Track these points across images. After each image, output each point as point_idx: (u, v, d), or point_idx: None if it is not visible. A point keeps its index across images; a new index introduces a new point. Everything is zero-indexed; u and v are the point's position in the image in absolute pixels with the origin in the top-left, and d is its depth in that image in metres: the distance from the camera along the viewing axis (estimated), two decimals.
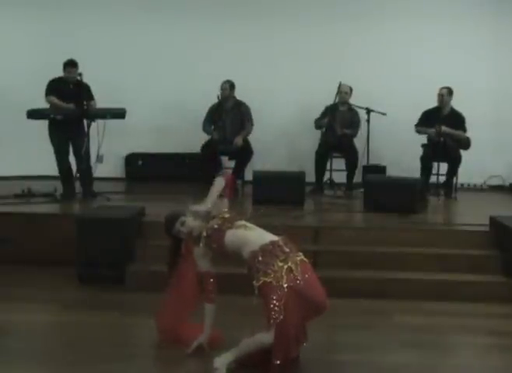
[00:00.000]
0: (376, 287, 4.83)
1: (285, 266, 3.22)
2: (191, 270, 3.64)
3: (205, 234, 3.48)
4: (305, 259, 3.35)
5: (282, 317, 3.14)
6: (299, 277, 3.22)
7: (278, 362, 3.19)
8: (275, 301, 3.15)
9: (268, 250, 3.28)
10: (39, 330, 4.10)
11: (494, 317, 4.47)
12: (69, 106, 6.55)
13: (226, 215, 3.55)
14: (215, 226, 3.48)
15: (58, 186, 6.75)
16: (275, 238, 3.39)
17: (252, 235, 3.41)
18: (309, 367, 3.54)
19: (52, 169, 6.83)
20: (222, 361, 3.30)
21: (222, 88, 7.62)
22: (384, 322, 4.31)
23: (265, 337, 3.20)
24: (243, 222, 3.51)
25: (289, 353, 3.26)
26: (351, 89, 7.70)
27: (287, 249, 3.32)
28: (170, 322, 3.71)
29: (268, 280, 3.20)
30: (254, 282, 3.25)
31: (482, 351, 3.93)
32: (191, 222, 3.57)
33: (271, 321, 3.16)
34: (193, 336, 3.59)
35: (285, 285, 3.18)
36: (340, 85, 7.57)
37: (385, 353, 3.75)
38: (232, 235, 3.42)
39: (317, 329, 3.98)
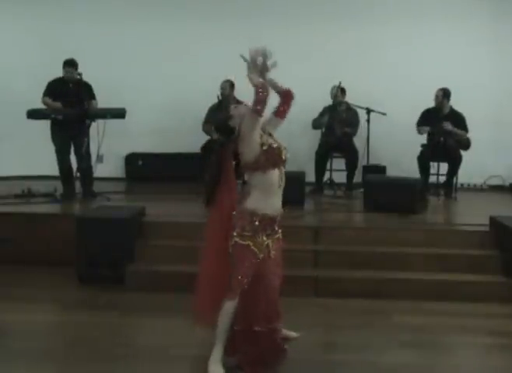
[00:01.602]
0: (376, 287, 4.83)
1: (266, 243, 3.31)
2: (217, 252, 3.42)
3: (266, 147, 3.25)
4: (280, 236, 3.44)
5: (246, 287, 3.24)
6: (271, 254, 3.33)
7: (239, 328, 3.32)
8: (245, 269, 3.23)
9: (264, 221, 3.28)
10: (39, 330, 4.10)
11: (494, 317, 4.47)
12: (56, 104, 6.54)
13: (288, 155, 3.38)
14: (283, 157, 3.32)
15: (58, 186, 6.76)
16: (276, 212, 3.35)
17: (271, 197, 3.31)
18: (308, 367, 3.54)
19: (52, 168, 6.83)
20: (214, 363, 3.30)
21: (222, 88, 7.62)
22: (383, 322, 4.31)
23: (228, 307, 3.26)
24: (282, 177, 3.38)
25: (252, 323, 3.32)
26: (343, 90, 7.67)
27: (276, 228, 3.39)
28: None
29: (250, 244, 3.24)
30: (235, 235, 3.25)
31: (482, 351, 3.94)
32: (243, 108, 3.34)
33: (236, 289, 3.24)
34: None
35: (261, 256, 3.28)
36: (331, 88, 7.60)
37: (385, 353, 3.75)
38: (267, 176, 3.26)
39: (317, 328, 3.98)
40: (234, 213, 3.32)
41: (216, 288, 3.37)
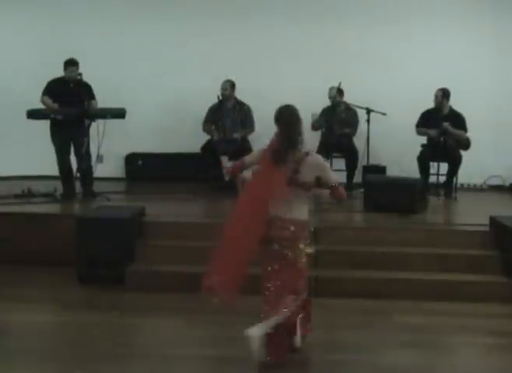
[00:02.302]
0: (376, 287, 4.83)
1: None
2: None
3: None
4: None
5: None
6: None
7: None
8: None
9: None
10: (39, 330, 4.10)
11: (494, 317, 4.47)
12: (54, 105, 6.55)
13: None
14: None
15: (58, 186, 6.75)
16: None
17: None
18: (309, 367, 3.54)
19: (52, 168, 6.83)
20: (257, 331, 3.33)
21: (223, 88, 7.60)
22: (383, 322, 4.31)
23: (293, 305, 3.46)
24: None
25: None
26: (340, 91, 7.64)
27: None
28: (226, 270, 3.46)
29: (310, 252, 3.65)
30: (305, 247, 3.55)
31: (482, 351, 3.94)
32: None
33: (304, 291, 3.54)
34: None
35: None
36: (329, 89, 7.60)
37: (385, 353, 3.76)
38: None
39: (317, 328, 3.98)
40: (295, 226, 3.48)
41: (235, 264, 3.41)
